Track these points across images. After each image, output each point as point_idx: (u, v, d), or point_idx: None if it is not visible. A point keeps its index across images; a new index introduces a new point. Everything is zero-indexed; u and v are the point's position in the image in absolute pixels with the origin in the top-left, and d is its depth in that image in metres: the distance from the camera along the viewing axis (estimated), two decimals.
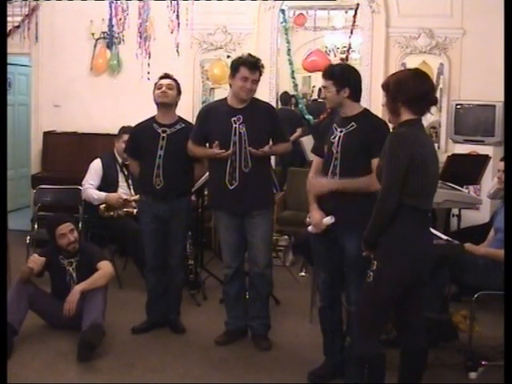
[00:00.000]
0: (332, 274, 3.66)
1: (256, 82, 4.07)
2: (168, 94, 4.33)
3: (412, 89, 2.97)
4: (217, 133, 4.09)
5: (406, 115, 3.00)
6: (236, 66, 4.06)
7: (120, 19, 6.72)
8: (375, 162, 3.31)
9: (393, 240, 2.98)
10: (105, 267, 4.34)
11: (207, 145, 4.19)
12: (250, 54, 4.23)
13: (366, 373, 3.08)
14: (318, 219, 3.57)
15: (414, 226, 3.01)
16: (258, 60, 4.11)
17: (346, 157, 3.49)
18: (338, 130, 3.55)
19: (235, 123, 4.05)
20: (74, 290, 4.18)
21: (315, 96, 9.83)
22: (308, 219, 3.69)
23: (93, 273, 4.29)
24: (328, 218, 3.54)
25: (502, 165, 4.48)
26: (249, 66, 4.04)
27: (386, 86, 3.07)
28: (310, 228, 3.65)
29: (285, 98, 8.17)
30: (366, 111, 3.62)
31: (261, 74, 4.11)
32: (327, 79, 3.56)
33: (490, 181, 5.41)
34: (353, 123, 3.52)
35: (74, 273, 4.36)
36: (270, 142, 4.09)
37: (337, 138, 3.53)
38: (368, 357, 3.09)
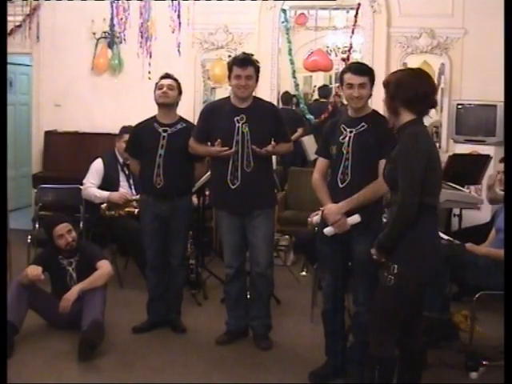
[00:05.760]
0: (337, 276, 3.65)
1: (250, 77, 4.04)
2: (169, 94, 4.33)
3: (410, 89, 2.96)
4: (219, 131, 4.08)
5: (406, 115, 3.00)
6: (229, 66, 4.10)
7: (121, 19, 6.73)
8: (383, 162, 3.30)
9: (415, 241, 2.95)
10: (104, 266, 4.35)
11: (209, 143, 4.19)
12: (243, 53, 4.24)
13: (377, 373, 3.07)
14: (342, 219, 3.49)
15: (432, 224, 3.02)
16: (248, 55, 4.11)
17: (357, 157, 3.48)
18: (348, 130, 3.54)
19: (238, 122, 4.05)
20: (73, 290, 4.20)
21: (316, 96, 9.83)
22: (309, 219, 3.67)
23: (92, 272, 4.30)
24: (355, 216, 3.46)
25: (501, 166, 4.47)
26: (238, 63, 4.05)
27: (386, 84, 3.06)
28: (328, 230, 3.52)
29: (286, 97, 8.17)
30: (375, 112, 3.63)
31: (257, 70, 4.09)
32: (364, 75, 3.51)
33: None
34: (363, 123, 3.52)
35: (74, 272, 4.37)
36: (273, 142, 4.09)
37: (347, 138, 3.53)
38: (382, 358, 3.08)
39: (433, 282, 3.14)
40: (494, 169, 5.46)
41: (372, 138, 3.47)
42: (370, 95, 3.58)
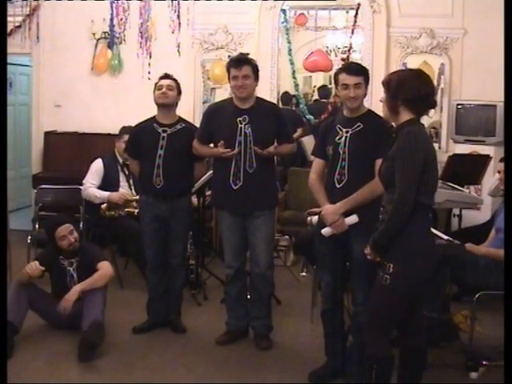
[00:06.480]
0: (335, 277, 3.65)
1: (247, 77, 4.02)
2: (168, 94, 4.33)
3: (412, 89, 2.97)
4: (222, 132, 4.08)
5: (405, 115, 3.00)
6: (227, 68, 4.11)
7: (121, 19, 6.74)
8: (379, 162, 3.31)
9: (411, 240, 2.96)
10: (104, 267, 4.35)
11: (211, 145, 4.20)
12: (240, 53, 4.24)
13: (374, 373, 3.08)
14: (340, 219, 3.50)
15: (427, 223, 3.03)
16: (243, 55, 4.11)
17: (353, 157, 3.49)
18: (344, 130, 3.54)
19: (241, 123, 4.05)
20: (73, 290, 4.20)
21: (316, 96, 9.82)
22: (309, 218, 3.66)
23: (93, 273, 4.30)
24: (352, 216, 3.46)
25: (501, 166, 4.47)
26: (234, 64, 4.05)
27: (386, 83, 3.06)
28: (326, 230, 3.52)
29: (286, 98, 8.16)
30: (370, 111, 3.64)
31: (254, 69, 4.07)
32: (359, 75, 3.51)
33: (491, 181, 5.41)
34: (359, 123, 3.52)
35: (75, 273, 4.36)
36: (275, 143, 4.09)
37: (343, 138, 3.53)
38: (378, 357, 3.08)
39: (429, 280, 3.13)
40: (494, 169, 5.47)
41: (368, 137, 3.48)
42: (365, 95, 3.58)
